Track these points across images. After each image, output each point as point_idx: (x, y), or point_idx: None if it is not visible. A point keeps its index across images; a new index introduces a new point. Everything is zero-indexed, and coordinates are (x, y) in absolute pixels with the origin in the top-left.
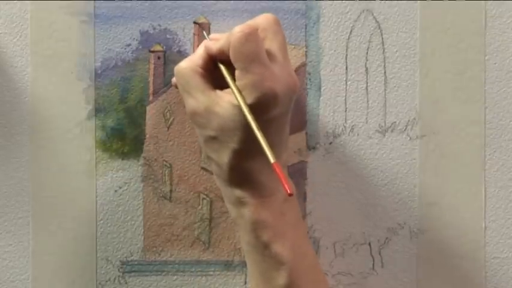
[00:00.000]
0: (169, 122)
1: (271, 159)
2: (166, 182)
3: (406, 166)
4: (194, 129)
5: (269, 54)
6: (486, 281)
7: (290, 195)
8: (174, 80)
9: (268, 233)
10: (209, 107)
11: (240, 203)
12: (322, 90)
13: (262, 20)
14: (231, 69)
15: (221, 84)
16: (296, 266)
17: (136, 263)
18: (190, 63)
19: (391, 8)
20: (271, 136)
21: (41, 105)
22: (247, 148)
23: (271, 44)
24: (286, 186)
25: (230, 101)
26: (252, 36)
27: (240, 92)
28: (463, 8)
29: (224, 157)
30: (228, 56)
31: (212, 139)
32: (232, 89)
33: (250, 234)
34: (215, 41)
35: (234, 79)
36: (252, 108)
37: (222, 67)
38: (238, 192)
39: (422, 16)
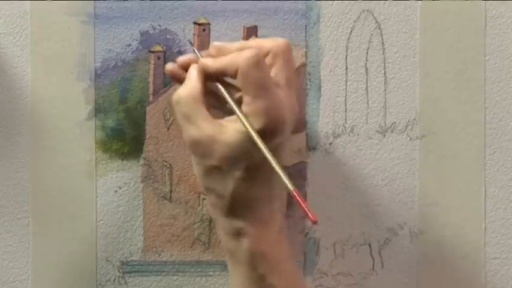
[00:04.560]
0: (169, 122)
1: (290, 187)
2: (166, 182)
3: (406, 166)
4: None
5: (275, 80)
6: (486, 281)
7: (314, 223)
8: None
9: (265, 265)
10: (214, 136)
11: (238, 234)
12: (322, 90)
13: (274, 44)
14: (229, 88)
15: (213, 103)
16: None
17: (136, 263)
18: (191, 90)
19: (391, 8)
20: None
21: (41, 105)
22: (252, 176)
23: (280, 71)
24: (310, 214)
25: (236, 128)
26: (262, 62)
27: (247, 118)
28: (463, 8)
29: (228, 187)
30: (226, 75)
31: (214, 169)
32: (238, 116)
33: (246, 266)
34: (213, 60)
35: (233, 99)
36: (260, 134)
37: (226, 96)
38: (238, 223)
39: (422, 16)
